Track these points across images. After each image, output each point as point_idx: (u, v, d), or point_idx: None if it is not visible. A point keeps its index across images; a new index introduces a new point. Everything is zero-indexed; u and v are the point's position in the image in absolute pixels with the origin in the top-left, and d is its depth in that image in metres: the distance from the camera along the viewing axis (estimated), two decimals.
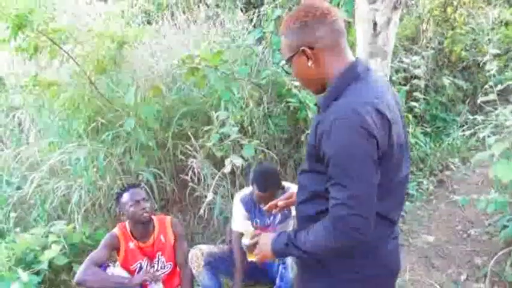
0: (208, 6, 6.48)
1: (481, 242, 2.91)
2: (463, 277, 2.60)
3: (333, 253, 1.20)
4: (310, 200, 1.27)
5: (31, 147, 3.31)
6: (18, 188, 3.39)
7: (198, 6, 6.68)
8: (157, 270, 2.42)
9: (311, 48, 1.19)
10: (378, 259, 1.26)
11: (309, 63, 1.21)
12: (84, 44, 3.50)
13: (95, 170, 3.15)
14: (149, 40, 4.39)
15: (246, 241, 1.80)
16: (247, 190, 2.51)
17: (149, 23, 6.25)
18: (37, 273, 2.65)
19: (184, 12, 6.01)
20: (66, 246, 2.72)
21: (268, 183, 2.32)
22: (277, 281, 2.32)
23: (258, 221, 2.49)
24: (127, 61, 3.80)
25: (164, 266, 2.45)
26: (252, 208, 2.49)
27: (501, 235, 2.61)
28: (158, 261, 2.44)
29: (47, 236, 2.81)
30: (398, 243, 1.35)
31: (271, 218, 2.47)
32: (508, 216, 2.69)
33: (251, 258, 1.97)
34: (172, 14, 5.98)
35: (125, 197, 2.34)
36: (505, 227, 2.67)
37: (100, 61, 3.50)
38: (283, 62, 1.30)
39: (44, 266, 2.62)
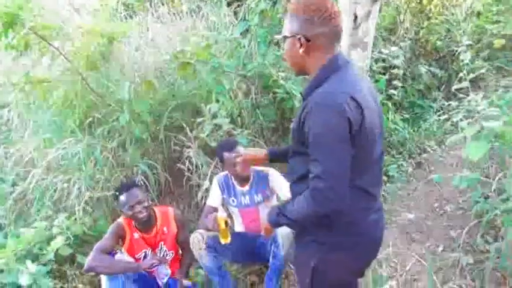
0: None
1: (456, 217, 3.15)
2: (440, 249, 2.85)
3: (316, 220, 1.38)
4: (299, 181, 1.44)
5: (25, 145, 3.38)
6: (13, 184, 3.47)
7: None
8: None
9: (307, 40, 1.36)
10: (360, 228, 1.45)
11: (300, 50, 1.38)
12: (73, 41, 3.58)
13: (92, 164, 3.26)
14: (134, 34, 4.47)
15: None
16: (225, 172, 2.71)
17: (130, 16, 6.29)
18: (43, 264, 2.76)
19: (163, 4, 6.06)
20: (71, 237, 2.83)
21: (230, 142, 2.57)
22: (270, 259, 2.51)
23: (235, 199, 2.67)
24: (116, 56, 3.90)
25: (167, 255, 2.60)
26: (227, 187, 2.67)
27: (473, 209, 2.86)
28: (160, 250, 2.58)
29: (50, 229, 2.93)
30: (381, 215, 1.53)
31: (249, 197, 2.65)
32: (480, 192, 2.94)
33: (224, 241, 2.26)
34: (152, 6, 6.03)
35: (122, 198, 2.41)
36: (476, 202, 2.92)
37: (90, 57, 3.59)
38: (280, 36, 1.47)
39: (51, 256, 2.74)
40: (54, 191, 3.16)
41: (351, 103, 1.26)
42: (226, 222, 2.26)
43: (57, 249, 2.81)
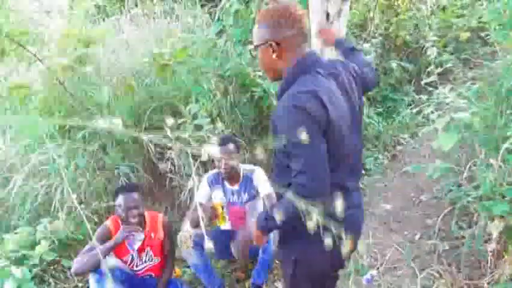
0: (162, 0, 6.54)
1: (431, 206, 3.32)
2: (417, 236, 3.00)
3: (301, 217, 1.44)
4: (282, 174, 1.50)
5: (6, 151, 3.34)
6: None
7: (152, 0, 6.70)
8: (145, 261, 2.60)
9: (278, 44, 1.45)
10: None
11: (274, 55, 1.47)
12: (49, 45, 3.55)
13: (73, 168, 3.25)
14: (109, 36, 4.45)
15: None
16: (215, 171, 2.77)
17: (103, 18, 6.23)
18: (28, 270, 2.74)
19: (136, 5, 6.03)
20: (55, 241, 2.83)
21: (225, 138, 2.68)
22: (260, 253, 2.58)
23: (224, 197, 2.73)
24: (92, 60, 3.87)
25: (152, 259, 2.62)
26: (217, 185, 2.73)
27: (447, 197, 3.01)
28: (146, 254, 2.60)
29: (33, 234, 2.91)
30: (359, 210, 1.59)
31: (237, 196, 2.72)
32: (452, 181, 3.09)
33: (222, 224, 2.49)
34: (125, 8, 6.00)
35: (120, 200, 2.42)
36: (449, 190, 3.07)
37: (67, 61, 3.56)
38: (252, 46, 1.55)
39: (36, 261, 2.73)
40: (36, 196, 3.14)
41: (315, 102, 1.34)
42: (222, 207, 2.45)
43: (42, 254, 2.79)
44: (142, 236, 2.54)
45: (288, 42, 1.45)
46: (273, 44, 1.45)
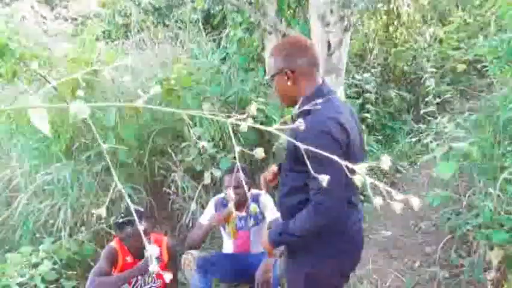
0: (167, 27, 6.73)
1: (430, 234, 3.34)
2: (417, 264, 3.01)
3: (316, 232, 1.52)
4: (291, 193, 1.60)
5: (12, 170, 3.38)
6: None
7: (156, 27, 6.88)
8: (148, 283, 2.61)
9: (292, 71, 1.57)
10: (347, 235, 1.61)
11: (289, 83, 1.58)
12: (59, 69, 3.64)
13: (77, 189, 3.28)
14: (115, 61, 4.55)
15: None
16: (222, 194, 2.80)
17: (107, 43, 6.38)
18: None
19: (142, 30, 6.20)
20: (58, 261, 2.83)
21: (233, 166, 2.74)
22: None
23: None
24: (98, 82, 3.96)
25: (155, 281, 2.62)
26: (223, 210, 2.73)
27: (446, 225, 3.05)
28: (149, 276, 2.61)
29: (36, 254, 2.91)
30: (361, 227, 1.69)
31: (244, 222, 2.75)
32: (451, 209, 3.14)
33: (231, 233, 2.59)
34: (131, 33, 6.16)
35: (129, 230, 2.43)
36: (448, 219, 3.11)
37: (76, 85, 3.64)
38: (267, 77, 1.66)
39: (38, 281, 2.72)
40: (39, 215, 3.15)
41: (338, 127, 1.45)
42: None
43: (43, 274, 2.78)
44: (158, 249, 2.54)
45: (301, 70, 1.57)
46: (288, 71, 1.56)
